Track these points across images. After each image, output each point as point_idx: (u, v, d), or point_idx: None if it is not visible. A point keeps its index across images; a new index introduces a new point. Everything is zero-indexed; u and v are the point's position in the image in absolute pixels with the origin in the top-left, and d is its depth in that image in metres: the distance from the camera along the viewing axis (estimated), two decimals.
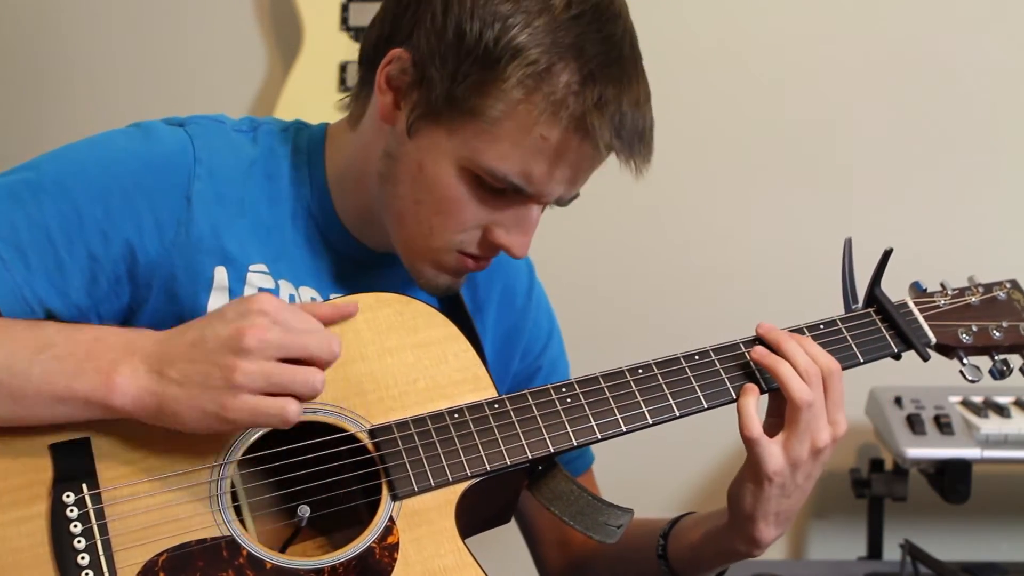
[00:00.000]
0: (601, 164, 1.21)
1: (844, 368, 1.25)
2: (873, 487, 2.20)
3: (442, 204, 1.20)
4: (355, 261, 1.32)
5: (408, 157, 1.20)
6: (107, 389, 1.08)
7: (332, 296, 1.29)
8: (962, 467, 2.00)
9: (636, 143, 1.17)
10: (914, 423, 2.05)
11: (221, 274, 1.22)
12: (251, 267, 1.24)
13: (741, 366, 1.26)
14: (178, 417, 1.08)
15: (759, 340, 1.26)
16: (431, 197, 1.20)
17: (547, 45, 1.14)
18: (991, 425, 2.04)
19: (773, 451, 1.20)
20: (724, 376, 1.25)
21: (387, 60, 1.20)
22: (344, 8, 2.44)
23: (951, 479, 2.01)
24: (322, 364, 1.10)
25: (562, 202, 1.23)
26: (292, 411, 1.07)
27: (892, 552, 2.14)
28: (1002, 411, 2.08)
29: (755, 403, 1.22)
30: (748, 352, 1.25)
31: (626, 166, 1.18)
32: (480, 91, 1.15)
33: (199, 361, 1.07)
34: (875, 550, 2.27)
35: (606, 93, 1.14)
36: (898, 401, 2.13)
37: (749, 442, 1.20)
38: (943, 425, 2.04)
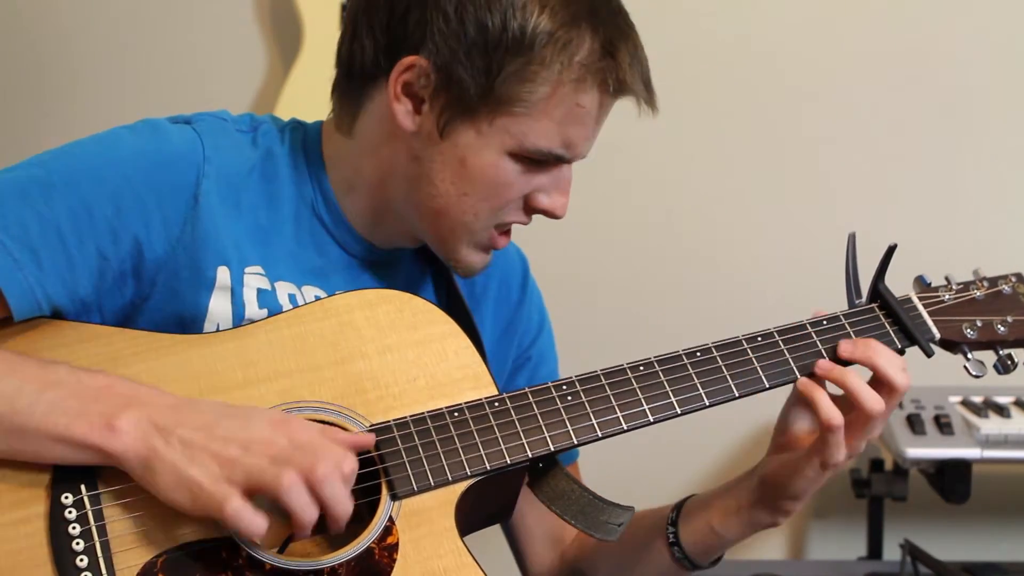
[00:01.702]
0: None
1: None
2: (873, 487, 2.19)
3: (491, 190, 1.23)
4: (361, 259, 1.32)
5: (445, 156, 1.22)
6: (108, 430, 1.06)
7: (338, 293, 1.28)
8: (962, 467, 2.00)
9: (652, 87, 1.25)
10: (914, 423, 2.05)
11: (224, 274, 1.22)
12: (247, 269, 1.23)
13: (742, 363, 1.25)
14: (157, 479, 1.06)
15: (812, 374, 1.26)
16: (478, 187, 1.23)
17: (568, 20, 1.18)
18: (991, 425, 2.04)
19: (843, 442, 1.23)
20: (726, 373, 1.25)
21: (401, 69, 1.21)
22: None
23: (951, 479, 2.01)
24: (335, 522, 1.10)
25: (584, 156, 1.28)
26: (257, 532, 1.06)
27: (892, 552, 2.14)
28: (1002, 411, 2.08)
29: (826, 394, 1.24)
30: (814, 367, 1.25)
31: (648, 110, 1.25)
32: (519, 79, 1.18)
33: (212, 441, 1.07)
34: (875, 550, 2.27)
35: (628, 49, 1.21)
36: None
37: (833, 429, 1.21)
38: (943, 425, 2.04)
